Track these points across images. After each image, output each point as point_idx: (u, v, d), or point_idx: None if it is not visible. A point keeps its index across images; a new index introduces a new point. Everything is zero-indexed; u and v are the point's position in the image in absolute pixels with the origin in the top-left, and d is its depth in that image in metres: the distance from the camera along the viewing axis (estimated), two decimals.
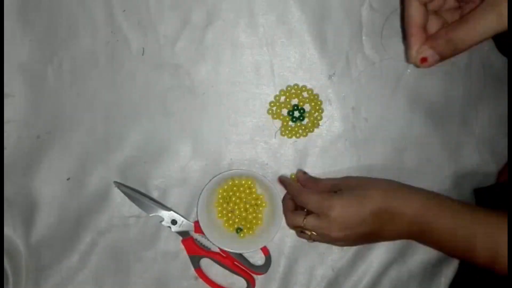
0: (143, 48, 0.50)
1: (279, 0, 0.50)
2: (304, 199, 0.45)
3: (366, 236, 0.43)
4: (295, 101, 0.51)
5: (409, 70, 0.50)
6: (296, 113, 0.50)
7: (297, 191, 0.46)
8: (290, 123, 0.50)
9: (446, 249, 0.43)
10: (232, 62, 0.50)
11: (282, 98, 0.50)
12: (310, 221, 0.44)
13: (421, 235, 0.43)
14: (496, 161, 0.51)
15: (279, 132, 0.51)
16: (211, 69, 0.50)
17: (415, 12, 0.36)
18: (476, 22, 0.33)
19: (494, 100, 0.51)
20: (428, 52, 0.37)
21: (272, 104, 0.50)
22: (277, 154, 0.51)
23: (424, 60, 0.37)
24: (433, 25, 0.39)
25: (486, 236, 0.39)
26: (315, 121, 0.50)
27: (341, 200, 0.43)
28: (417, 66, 0.38)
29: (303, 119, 0.50)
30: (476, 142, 0.51)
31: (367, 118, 0.50)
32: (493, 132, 0.51)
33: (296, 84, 0.50)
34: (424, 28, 0.37)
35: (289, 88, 0.50)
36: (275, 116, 0.50)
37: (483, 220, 0.40)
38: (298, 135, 0.50)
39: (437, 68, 0.50)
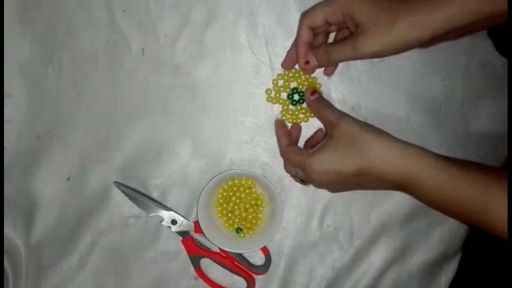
0: (143, 48, 0.50)
1: (279, 0, 0.50)
2: (288, 159, 0.47)
3: (349, 188, 0.46)
4: (293, 85, 0.50)
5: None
6: (296, 96, 0.50)
7: (282, 149, 0.48)
8: (291, 106, 0.50)
9: (436, 206, 0.42)
10: (232, 62, 0.50)
11: (281, 82, 0.50)
12: (299, 174, 0.46)
13: (409, 192, 0.42)
14: (496, 160, 0.51)
15: (280, 116, 0.50)
16: (211, 69, 0.50)
17: (305, 33, 0.45)
18: (340, 46, 0.43)
19: (494, 100, 0.51)
20: (310, 57, 0.46)
21: (268, 92, 0.50)
22: (277, 154, 0.51)
23: (307, 62, 0.46)
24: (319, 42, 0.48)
25: (475, 196, 0.38)
26: None
27: (320, 160, 0.43)
28: (303, 69, 0.48)
29: (302, 102, 0.50)
30: (476, 142, 0.51)
31: (367, 117, 0.50)
32: (493, 131, 0.51)
33: (294, 68, 0.50)
34: (309, 45, 0.46)
35: (286, 72, 0.50)
36: (274, 101, 0.50)
37: (472, 178, 0.39)
38: (299, 120, 0.50)
39: (437, 68, 0.50)
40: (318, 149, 0.44)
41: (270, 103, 0.50)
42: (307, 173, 0.44)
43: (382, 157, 0.41)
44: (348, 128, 0.43)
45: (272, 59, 0.50)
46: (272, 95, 0.50)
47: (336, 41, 0.48)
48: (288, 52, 0.49)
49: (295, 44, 0.48)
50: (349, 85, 0.50)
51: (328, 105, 0.47)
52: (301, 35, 0.46)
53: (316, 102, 0.48)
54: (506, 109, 0.51)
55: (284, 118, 0.50)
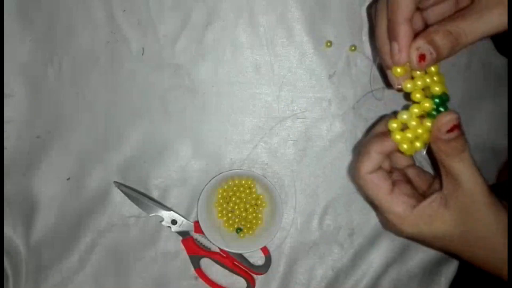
0: (143, 48, 0.50)
1: (279, 0, 0.50)
2: (366, 192, 0.36)
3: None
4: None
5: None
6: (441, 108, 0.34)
7: (360, 174, 0.35)
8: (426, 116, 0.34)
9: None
10: (232, 62, 0.50)
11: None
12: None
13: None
14: (496, 161, 0.51)
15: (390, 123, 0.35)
16: (211, 69, 0.50)
17: (407, 4, 0.30)
18: (480, 15, 0.30)
19: (494, 100, 0.51)
20: (426, 48, 0.31)
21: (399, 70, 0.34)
22: (277, 154, 0.51)
23: (422, 58, 0.31)
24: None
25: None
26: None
27: (418, 228, 0.36)
28: (414, 68, 0.33)
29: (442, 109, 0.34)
30: (476, 142, 0.51)
31: (367, 118, 0.50)
32: (493, 132, 0.51)
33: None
34: (412, 27, 0.32)
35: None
36: (417, 96, 0.34)
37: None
38: (415, 147, 0.35)
39: None
40: (422, 214, 0.35)
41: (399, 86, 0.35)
42: (390, 225, 0.37)
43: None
44: (482, 210, 0.33)
45: (272, 59, 0.50)
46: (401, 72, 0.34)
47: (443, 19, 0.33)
48: (384, 53, 0.34)
49: (391, 31, 0.32)
50: (349, 85, 0.50)
51: (468, 156, 0.34)
52: (400, 6, 0.31)
53: (453, 145, 0.33)
54: (506, 109, 0.51)
55: (402, 144, 0.34)
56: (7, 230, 0.50)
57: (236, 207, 0.50)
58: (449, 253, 0.41)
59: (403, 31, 0.32)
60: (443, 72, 0.50)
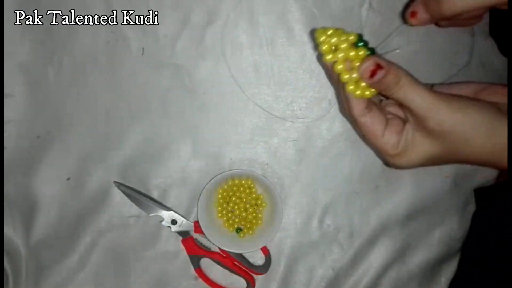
0: (143, 48, 0.50)
1: (279, 0, 0.50)
2: (365, 135, 0.38)
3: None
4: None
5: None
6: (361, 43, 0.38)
7: (356, 117, 0.37)
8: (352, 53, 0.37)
9: None
10: (232, 62, 0.50)
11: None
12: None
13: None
14: None
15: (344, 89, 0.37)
16: (211, 69, 0.50)
17: None
18: None
19: None
20: (418, 7, 0.38)
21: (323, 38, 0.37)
22: (277, 154, 0.51)
23: (413, 14, 0.38)
24: None
25: None
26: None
27: (409, 159, 0.38)
28: (408, 23, 0.40)
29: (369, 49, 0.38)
30: None
31: None
32: None
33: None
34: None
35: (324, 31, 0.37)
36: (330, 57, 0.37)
37: None
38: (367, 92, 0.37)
39: (438, 68, 0.50)
40: (406, 147, 0.37)
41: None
42: (389, 163, 0.39)
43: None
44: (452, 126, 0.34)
45: (272, 59, 0.50)
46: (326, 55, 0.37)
47: None
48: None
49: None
50: None
51: (405, 83, 0.35)
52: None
53: (385, 83, 0.35)
54: None
55: (351, 89, 0.37)
56: (7, 230, 0.50)
57: (236, 207, 0.50)
58: None
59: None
60: (444, 72, 0.50)
